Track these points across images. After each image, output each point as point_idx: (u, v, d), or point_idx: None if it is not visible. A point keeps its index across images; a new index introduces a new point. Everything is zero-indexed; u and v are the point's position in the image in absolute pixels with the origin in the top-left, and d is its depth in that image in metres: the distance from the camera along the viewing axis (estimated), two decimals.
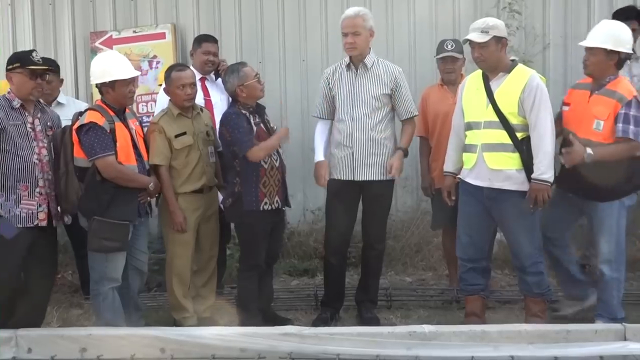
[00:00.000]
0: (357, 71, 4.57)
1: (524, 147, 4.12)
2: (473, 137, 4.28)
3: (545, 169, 4.05)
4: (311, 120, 4.84)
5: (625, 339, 3.90)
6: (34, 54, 4.21)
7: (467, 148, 4.33)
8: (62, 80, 5.44)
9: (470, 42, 4.20)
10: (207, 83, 5.29)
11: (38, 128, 4.18)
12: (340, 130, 4.59)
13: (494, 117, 4.16)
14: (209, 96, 5.22)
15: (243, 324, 4.29)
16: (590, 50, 4.21)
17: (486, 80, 4.24)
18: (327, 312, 4.71)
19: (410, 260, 5.88)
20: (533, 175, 4.07)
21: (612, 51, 4.15)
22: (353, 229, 4.73)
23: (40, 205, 4.12)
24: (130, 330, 4.02)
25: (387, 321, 4.72)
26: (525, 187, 4.13)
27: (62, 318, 4.74)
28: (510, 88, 4.14)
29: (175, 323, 4.56)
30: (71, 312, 5.01)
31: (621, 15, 5.15)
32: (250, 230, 4.27)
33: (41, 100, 4.36)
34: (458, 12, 6.23)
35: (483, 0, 6.14)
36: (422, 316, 4.81)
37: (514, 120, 4.13)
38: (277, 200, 4.41)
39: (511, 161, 4.15)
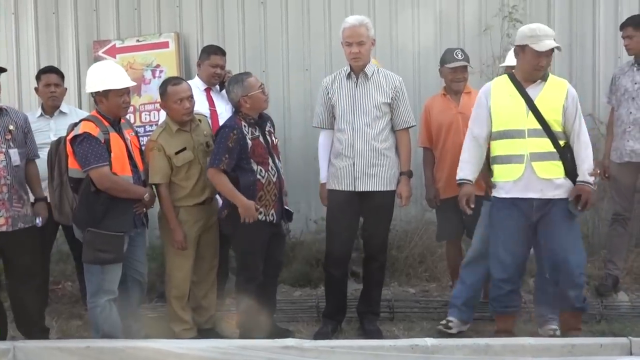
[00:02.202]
0: (357, 80, 4.53)
1: (567, 155, 4.08)
2: (515, 147, 4.11)
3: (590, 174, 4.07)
4: (315, 129, 4.80)
5: (631, 354, 3.87)
6: None
7: (508, 159, 4.14)
8: (65, 89, 5.42)
9: (535, 50, 4.03)
10: (212, 93, 5.25)
11: None
12: (340, 141, 4.53)
13: (537, 125, 4.07)
14: (214, 107, 5.18)
15: (241, 336, 4.25)
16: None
17: (520, 87, 4.14)
18: (329, 325, 4.65)
19: (414, 271, 5.81)
20: (581, 179, 4.04)
21: None
22: (354, 240, 4.68)
23: None
24: (129, 343, 4.01)
25: (389, 333, 4.67)
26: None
27: (61, 329, 4.71)
28: (552, 95, 4.09)
29: (176, 335, 4.51)
30: (71, 323, 4.99)
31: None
32: (246, 242, 4.21)
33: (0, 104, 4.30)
34: (462, 22, 6.19)
35: (487, 10, 6.11)
36: (425, 328, 4.76)
37: (557, 127, 4.07)
38: (272, 214, 4.35)
39: (558, 170, 4.08)
